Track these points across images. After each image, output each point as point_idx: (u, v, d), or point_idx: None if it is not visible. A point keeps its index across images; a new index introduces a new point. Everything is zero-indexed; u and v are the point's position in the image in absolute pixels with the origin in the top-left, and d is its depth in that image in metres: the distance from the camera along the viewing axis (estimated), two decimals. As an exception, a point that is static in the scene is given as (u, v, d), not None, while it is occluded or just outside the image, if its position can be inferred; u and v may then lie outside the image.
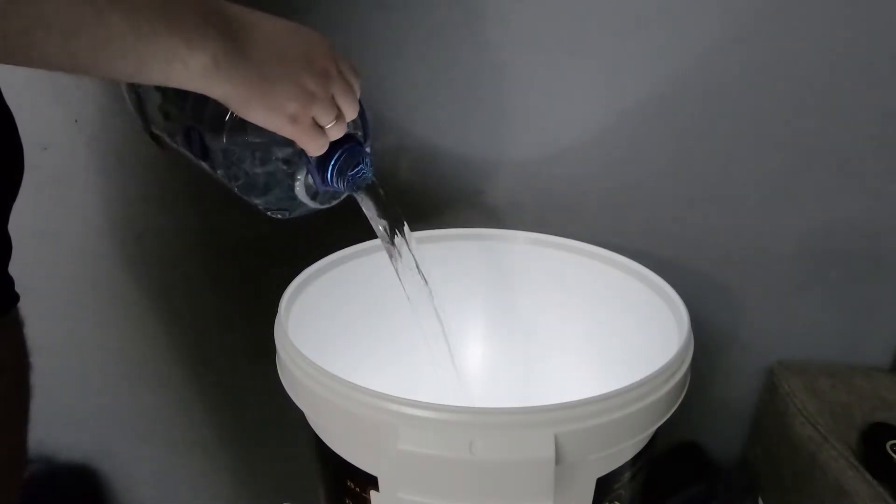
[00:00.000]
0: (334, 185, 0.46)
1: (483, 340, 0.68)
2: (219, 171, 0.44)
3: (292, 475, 0.82)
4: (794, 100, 0.62)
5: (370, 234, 0.61)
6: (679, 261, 0.69)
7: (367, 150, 0.48)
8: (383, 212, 0.49)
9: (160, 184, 0.68)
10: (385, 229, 0.50)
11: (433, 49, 0.62)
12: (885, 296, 0.70)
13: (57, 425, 0.78)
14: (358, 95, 0.44)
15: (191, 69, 0.34)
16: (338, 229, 0.68)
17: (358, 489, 0.44)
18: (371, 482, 0.43)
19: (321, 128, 0.42)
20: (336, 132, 0.43)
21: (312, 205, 0.48)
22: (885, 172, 0.64)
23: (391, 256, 0.51)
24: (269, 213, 0.48)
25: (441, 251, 0.64)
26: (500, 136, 0.65)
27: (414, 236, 0.51)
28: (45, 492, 0.77)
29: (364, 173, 0.47)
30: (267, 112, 0.39)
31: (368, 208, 0.49)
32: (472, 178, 0.67)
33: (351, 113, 0.43)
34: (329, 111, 0.42)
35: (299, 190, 0.47)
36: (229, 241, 0.71)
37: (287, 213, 0.49)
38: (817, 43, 0.59)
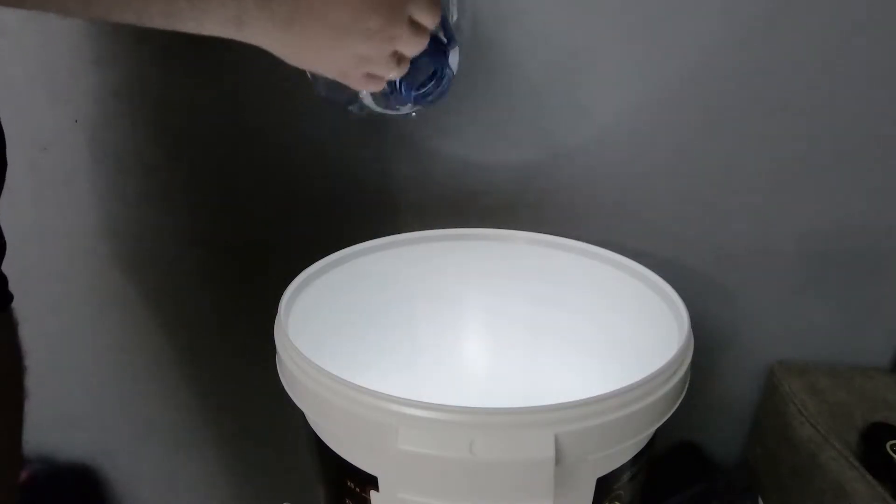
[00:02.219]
0: (403, 95, 0.44)
1: (482, 340, 0.68)
2: None
3: (292, 475, 0.82)
4: (795, 100, 0.62)
5: (370, 235, 0.61)
6: (679, 261, 0.69)
7: (452, 54, 0.45)
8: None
9: (159, 184, 0.68)
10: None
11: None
12: (885, 296, 0.70)
13: (57, 425, 0.78)
14: (429, 32, 0.41)
15: (217, 30, 0.32)
16: (338, 229, 0.68)
17: (358, 489, 0.44)
18: (371, 482, 0.43)
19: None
20: (397, 74, 0.41)
21: (376, 108, 0.47)
22: (885, 172, 0.64)
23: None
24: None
25: (441, 251, 0.64)
26: (500, 136, 0.65)
27: (410, 236, 0.51)
28: (45, 492, 0.77)
29: (433, 92, 0.45)
30: (313, 65, 0.37)
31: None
32: (472, 179, 0.67)
33: (415, 52, 0.41)
34: (386, 67, 0.40)
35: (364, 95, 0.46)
36: (229, 242, 0.71)
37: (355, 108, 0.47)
38: (818, 43, 0.59)
